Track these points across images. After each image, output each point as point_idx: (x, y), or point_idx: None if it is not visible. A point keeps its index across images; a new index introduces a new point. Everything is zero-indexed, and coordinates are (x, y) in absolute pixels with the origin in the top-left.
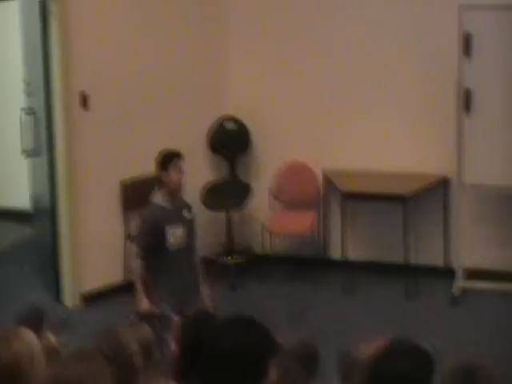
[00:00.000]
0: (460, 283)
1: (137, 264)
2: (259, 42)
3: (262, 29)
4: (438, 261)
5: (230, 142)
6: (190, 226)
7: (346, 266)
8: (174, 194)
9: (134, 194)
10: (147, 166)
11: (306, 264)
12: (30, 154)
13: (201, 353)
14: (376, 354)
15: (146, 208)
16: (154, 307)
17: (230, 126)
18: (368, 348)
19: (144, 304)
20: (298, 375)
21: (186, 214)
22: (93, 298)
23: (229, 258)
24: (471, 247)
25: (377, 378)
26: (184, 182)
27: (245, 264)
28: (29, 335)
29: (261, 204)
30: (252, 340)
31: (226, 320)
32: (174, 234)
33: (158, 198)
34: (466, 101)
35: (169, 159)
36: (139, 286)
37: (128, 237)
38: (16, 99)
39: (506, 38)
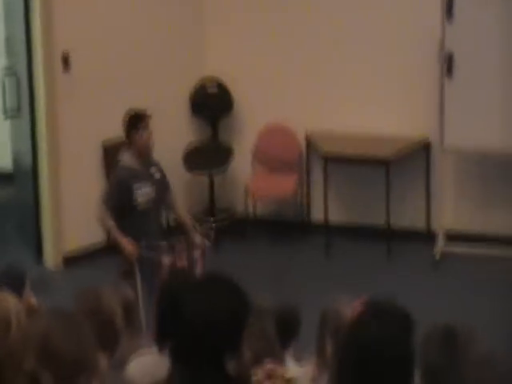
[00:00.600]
0: (441, 246)
1: (107, 220)
2: (242, 3)
3: None
4: (419, 224)
5: (212, 103)
6: (159, 184)
7: (327, 228)
8: (144, 153)
9: (116, 155)
10: None
11: (288, 226)
12: (12, 114)
13: (176, 315)
14: (353, 317)
15: (116, 169)
16: (138, 248)
17: (211, 87)
18: (346, 310)
19: (127, 247)
20: (274, 338)
21: (154, 172)
22: (74, 259)
23: (211, 220)
24: (453, 210)
25: (353, 341)
26: (153, 141)
27: (227, 226)
28: (9, 296)
29: (243, 166)
30: (228, 302)
31: (202, 281)
32: (143, 193)
33: (127, 159)
34: (448, 64)
35: (139, 119)
36: (117, 234)
37: None
38: None
39: (488, 0)
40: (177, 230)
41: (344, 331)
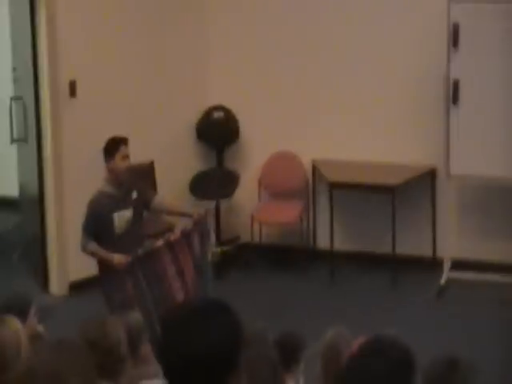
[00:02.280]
0: (446, 274)
1: (89, 244)
2: (245, 31)
3: (245, 17)
4: (424, 251)
5: (218, 131)
6: (137, 202)
7: (332, 255)
8: (121, 179)
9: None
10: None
11: (294, 253)
12: (19, 141)
13: (170, 344)
14: (353, 352)
15: (93, 196)
16: (125, 257)
17: (217, 114)
18: (347, 344)
19: (115, 258)
20: (276, 363)
21: (134, 195)
22: (80, 287)
23: (217, 246)
24: (458, 238)
25: (352, 375)
26: (128, 166)
27: (232, 253)
28: (14, 323)
29: (249, 193)
30: (221, 329)
31: (197, 309)
32: (122, 218)
33: (105, 185)
34: (454, 92)
35: (115, 147)
36: (101, 252)
37: None
38: (4, 88)
39: (493, 29)
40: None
41: (343, 366)
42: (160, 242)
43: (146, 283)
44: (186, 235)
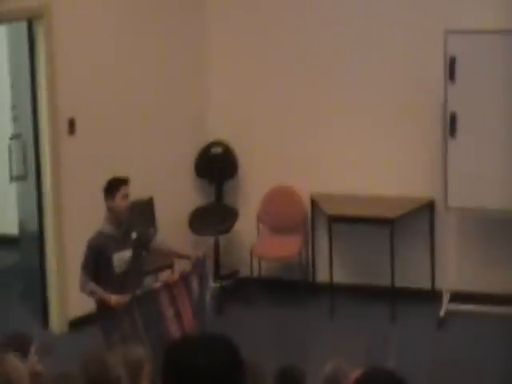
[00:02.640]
0: (446, 306)
1: (87, 284)
2: (242, 68)
3: (244, 53)
4: (423, 283)
5: (216, 166)
6: (137, 245)
7: (332, 289)
8: (121, 219)
9: None
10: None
11: (293, 287)
12: (18, 179)
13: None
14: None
15: (93, 236)
16: (123, 297)
17: (216, 150)
18: (347, 377)
19: (113, 298)
20: None
21: (133, 235)
22: (80, 324)
23: (216, 280)
24: (457, 270)
25: None
26: (128, 205)
27: (232, 287)
28: (14, 361)
29: (248, 228)
30: (221, 362)
31: (200, 340)
32: (121, 259)
33: (105, 225)
34: (451, 124)
35: (115, 187)
36: (100, 291)
37: None
38: (4, 126)
39: (490, 61)
40: None
41: None
42: (158, 284)
43: (143, 323)
44: (184, 278)
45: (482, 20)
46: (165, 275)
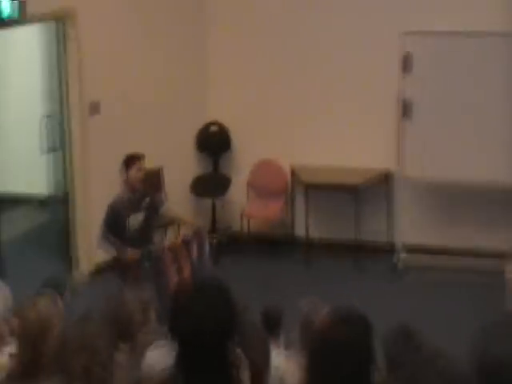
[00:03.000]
0: (402, 257)
1: (107, 237)
2: (238, 63)
3: (240, 53)
4: (382, 238)
5: (214, 142)
6: (149, 209)
7: (308, 243)
8: (136, 187)
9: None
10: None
11: (276, 241)
12: (50, 150)
13: (178, 317)
14: (322, 323)
15: (112, 200)
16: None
17: (213, 129)
18: (318, 315)
19: (128, 252)
20: (261, 329)
21: (146, 201)
22: (102, 271)
23: (213, 236)
24: (410, 227)
25: (321, 339)
26: (142, 177)
27: (226, 242)
28: (51, 299)
29: (239, 193)
30: (223, 303)
31: (197, 289)
32: (135, 219)
33: (123, 191)
34: (404, 108)
35: (131, 161)
36: (116, 243)
37: None
38: (35, 107)
39: (439, 57)
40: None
41: (314, 335)
42: (165, 244)
43: (151, 274)
44: (186, 242)
45: (435, 22)
46: (170, 237)
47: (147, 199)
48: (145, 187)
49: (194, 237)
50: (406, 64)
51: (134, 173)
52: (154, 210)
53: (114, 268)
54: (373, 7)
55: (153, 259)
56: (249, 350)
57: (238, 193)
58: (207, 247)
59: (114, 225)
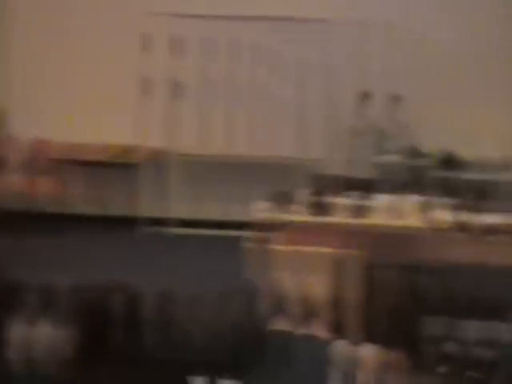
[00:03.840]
0: (173, 230)
1: None
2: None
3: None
4: (161, 214)
5: None
6: None
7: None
8: None
9: None
10: None
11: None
12: None
13: None
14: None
15: None
16: None
17: None
18: None
19: None
20: None
21: None
22: None
23: None
24: (182, 201)
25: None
26: None
27: None
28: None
29: None
30: None
31: None
32: None
33: None
34: (176, 89)
35: None
36: None
37: None
38: None
39: (207, 41)
40: None
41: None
42: None
43: None
44: None
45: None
46: None
47: None
48: None
49: None
50: (145, 44)
51: None
52: None
53: None
54: None
55: None
56: None
57: None
58: None
59: None
